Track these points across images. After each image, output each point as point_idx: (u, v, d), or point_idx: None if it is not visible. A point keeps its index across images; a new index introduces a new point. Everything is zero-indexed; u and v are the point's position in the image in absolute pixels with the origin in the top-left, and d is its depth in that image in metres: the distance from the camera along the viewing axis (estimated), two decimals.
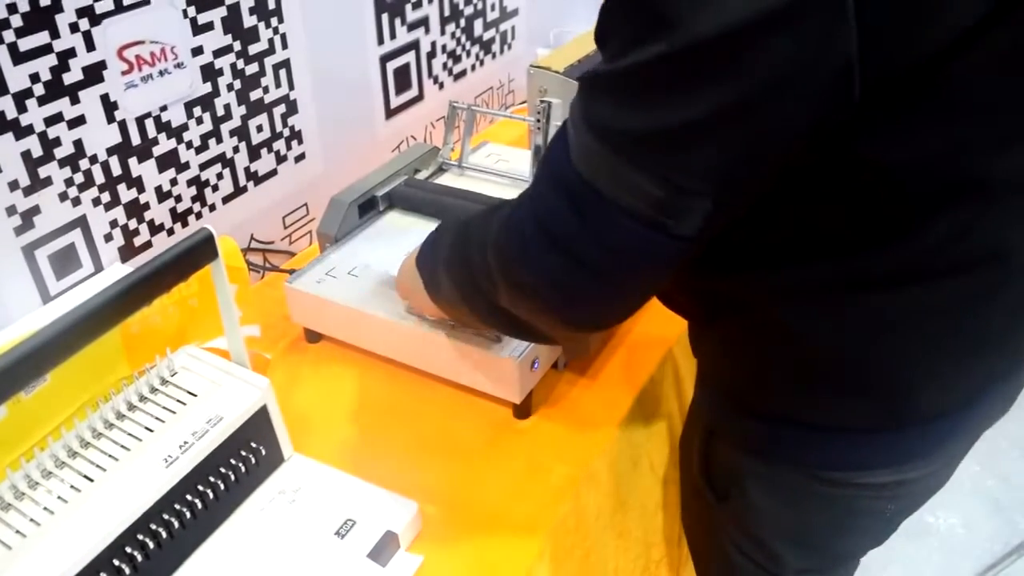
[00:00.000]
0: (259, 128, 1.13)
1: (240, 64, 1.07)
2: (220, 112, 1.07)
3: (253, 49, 1.08)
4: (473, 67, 1.54)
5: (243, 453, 0.76)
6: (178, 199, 1.06)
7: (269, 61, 1.10)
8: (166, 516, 0.69)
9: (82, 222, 0.96)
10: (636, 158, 0.48)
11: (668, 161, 0.47)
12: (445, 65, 1.46)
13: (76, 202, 0.95)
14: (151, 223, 1.03)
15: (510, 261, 0.57)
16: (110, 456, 0.70)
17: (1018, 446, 1.90)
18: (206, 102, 1.05)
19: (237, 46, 1.05)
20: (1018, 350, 0.65)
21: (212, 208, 1.11)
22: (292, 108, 1.17)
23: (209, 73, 1.04)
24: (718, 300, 0.64)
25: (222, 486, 0.74)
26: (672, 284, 0.67)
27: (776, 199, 0.53)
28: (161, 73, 0.98)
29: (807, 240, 0.55)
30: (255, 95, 1.11)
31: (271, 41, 1.10)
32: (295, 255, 1.23)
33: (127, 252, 1.02)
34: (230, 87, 1.07)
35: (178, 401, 0.75)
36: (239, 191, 1.13)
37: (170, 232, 1.06)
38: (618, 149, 0.48)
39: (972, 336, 0.60)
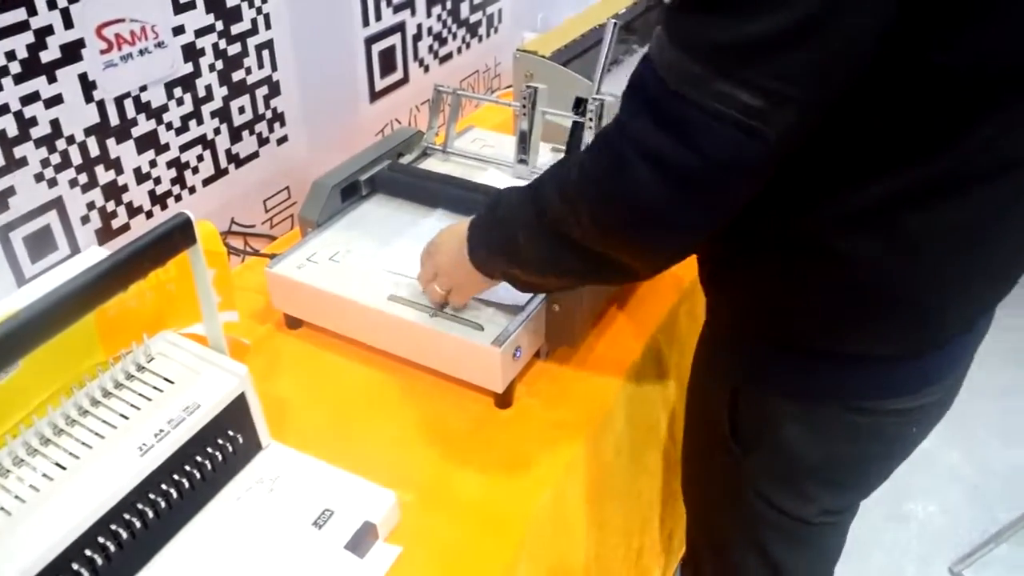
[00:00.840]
0: (241, 110, 1.12)
1: (222, 44, 1.05)
2: (201, 93, 1.06)
3: (236, 29, 1.06)
4: (459, 50, 1.53)
5: (220, 442, 0.75)
6: (157, 181, 1.05)
7: (252, 41, 1.09)
8: (140, 506, 0.68)
9: (58, 204, 0.94)
10: (724, 67, 0.52)
11: (755, 69, 0.51)
12: (431, 48, 1.44)
13: (52, 183, 0.94)
14: (129, 205, 1.01)
15: (600, 179, 0.60)
16: (84, 444, 0.69)
17: (996, 435, 1.92)
18: (187, 82, 1.04)
19: (219, 26, 1.04)
20: (1017, 265, 0.70)
21: (192, 190, 1.10)
22: (275, 89, 1.16)
23: (190, 53, 1.02)
24: (764, 236, 0.67)
25: (198, 475, 0.73)
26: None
27: (843, 112, 0.56)
28: (141, 52, 0.96)
29: (864, 157, 0.59)
30: (237, 76, 1.10)
31: (254, 21, 1.08)
32: (276, 239, 1.22)
33: (104, 235, 1.00)
34: (212, 67, 1.05)
35: (154, 388, 0.74)
36: (220, 173, 1.12)
37: (149, 215, 1.04)
38: (707, 59, 0.53)
39: (993, 251, 0.65)
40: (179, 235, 0.69)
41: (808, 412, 0.74)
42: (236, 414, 0.76)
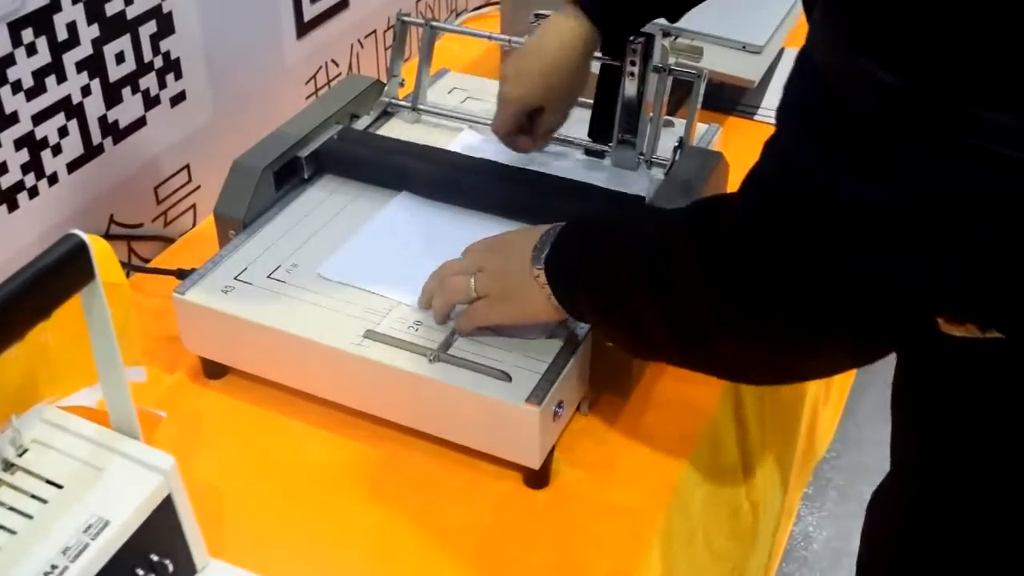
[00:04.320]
0: (119, 57, 1.09)
1: None
2: (62, 35, 1.02)
3: None
4: None
5: (140, 573, 0.71)
6: (1, 168, 1.00)
7: None
8: None
9: None
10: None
11: None
12: None
13: None
14: None
15: (760, 237, 0.63)
16: None
17: None
18: (40, 21, 0.99)
19: None
20: None
21: (53, 179, 1.06)
22: (166, 26, 1.13)
23: None
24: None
25: None
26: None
27: None
28: None
29: None
30: (112, 8, 1.06)
31: None
32: (174, 242, 1.21)
33: None
34: None
35: (34, 498, 0.70)
36: (92, 152, 1.10)
37: None
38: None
39: None
40: (72, 268, 0.66)
41: None
42: (161, 529, 0.72)
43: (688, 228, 0.70)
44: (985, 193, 0.55)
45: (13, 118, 1.00)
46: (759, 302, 0.64)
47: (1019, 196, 0.54)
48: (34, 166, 1.03)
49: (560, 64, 0.96)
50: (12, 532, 0.67)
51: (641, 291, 0.73)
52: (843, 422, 1.73)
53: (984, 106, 0.52)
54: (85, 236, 0.66)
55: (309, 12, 1.34)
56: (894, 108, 0.54)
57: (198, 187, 1.24)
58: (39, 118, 1.02)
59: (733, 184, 0.87)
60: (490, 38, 1.18)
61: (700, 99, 1.05)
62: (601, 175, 1.08)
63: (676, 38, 1.16)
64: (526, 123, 1.01)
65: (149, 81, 1.13)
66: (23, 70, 0.99)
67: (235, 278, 0.95)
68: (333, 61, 1.42)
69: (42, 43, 1.00)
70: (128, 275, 1.08)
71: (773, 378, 0.80)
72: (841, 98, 0.56)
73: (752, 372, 0.74)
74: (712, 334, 0.69)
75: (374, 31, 1.49)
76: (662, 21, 1.02)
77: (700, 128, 1.14)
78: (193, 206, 1.24)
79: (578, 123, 1.10)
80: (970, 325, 0.72)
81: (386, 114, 1.19)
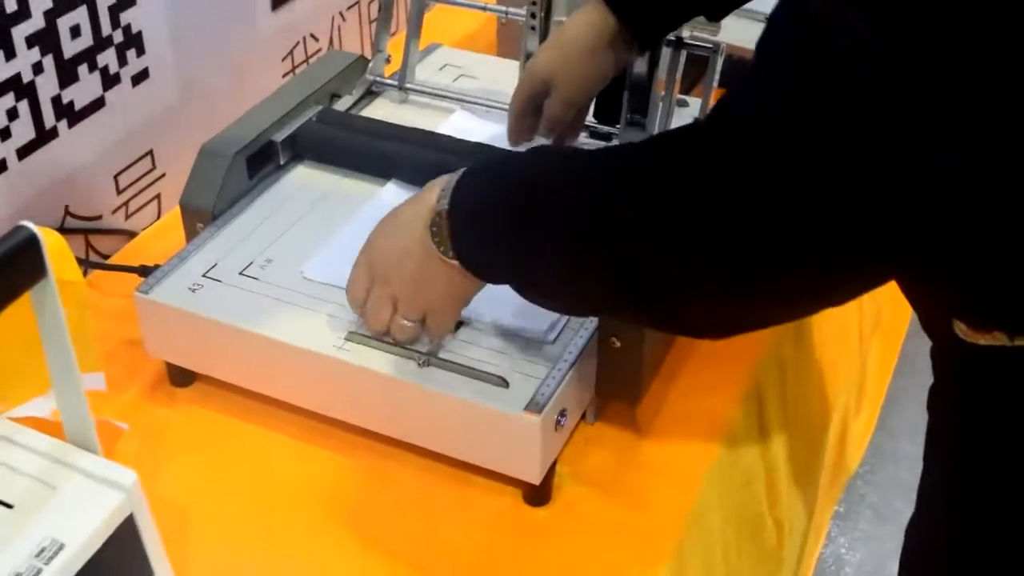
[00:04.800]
0: (74, 31, 1.09)
1: None
2: (10, 6, 1.01)
3: None
4: None
5: None
6: None
7: None
8: None
9: None
10: None
11: None
12: None
13: None
14: None
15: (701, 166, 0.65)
16: None
17: None
18: None
19: None
20: None
21: (1, 167, 1.06)
22: None
23: None
24: None
25: None
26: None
27: None
28: None
29: None
30: None
31: None
32: (136, 236, 1.21)
33: None
34: None
35: None
36: (44, 136, 1.10)
37: None
38: None
39: None
40: (22, 263, 0.66)
41: None
42: (122, 552, 0.72)
43: (636, 179, 0.71)
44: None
45: None
46: (735, 248, 0.66)
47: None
48: None
49: (576, 40, 0.96)
50: None
51: (580, 259, 0.74)
52: (877, 433, 1.73)
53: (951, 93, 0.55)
54: (36, 229, 0.65)
55: None
56: (869, 64, 0.56)
57: (163, 175, 1.24)
58: None
59: None
60: (485, 9, 1.18)
61: (717, 76, 1.05)
62: None
63: None
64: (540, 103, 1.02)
65: (108, 58, 1.13)
66: None
67: (204, 275, 0.95)
68: (312, 35, 1.42)
69: None
70: (85, 272, 1.09)
71: (733, 327, 0.79)
72: (824, 39, 0.58)
73: (714, 326, 0.77)
74: (678, 292, 0.71)
75: (357, 2, 1.48)
76: None
77: None
78: (157, 196, 1.24)
79: None
80: (997, 332, 0.72)
81: (370, 94, 1.18)
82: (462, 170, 0.81)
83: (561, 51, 0.98)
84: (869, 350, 1.49)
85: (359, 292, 0.87)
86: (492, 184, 0.80)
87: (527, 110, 1.01)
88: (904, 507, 1.04)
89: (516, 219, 0.76)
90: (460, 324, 0.90)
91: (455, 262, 0.79)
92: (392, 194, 1.05)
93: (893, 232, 0.61)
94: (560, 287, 0.78)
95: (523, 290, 0.80)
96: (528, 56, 1.10)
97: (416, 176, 1.04)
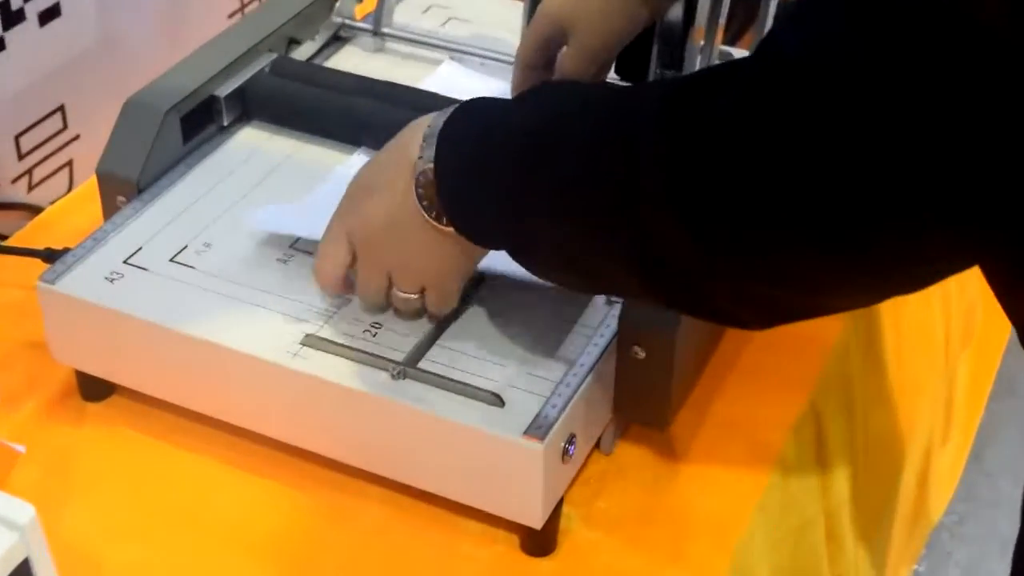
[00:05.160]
0: None
1: None
2: None
3: None
4: None
5: None
6: None
7: None
8: None
9: None
10: None
11: None
12: None
13: None
14: None
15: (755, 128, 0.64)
16: None
17: None
18: None
19: None
20: None
21: None
22: None
23: None
24: None
25: None
26: None
27: None
28: None
29: None
30: None
31: None
32: (41, 212, 1.21)
33: None
34: None
35: None
36: None
37: None
38: None
39: None
40: None
41: None
42: None
43: (660, 126, 0.71)
44: None
45: None
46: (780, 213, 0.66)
47: None
48: None
49: None
50: None
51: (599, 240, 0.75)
52: (968, 471, 1.73)
53: None
54: None
55: None
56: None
57: (76, 137, 1.24)
58: None
59: None
60: None
61: (769, 21, 1.05)
62: None
63: None
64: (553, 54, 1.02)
65: None
66: None
67: (125, 262, 0.95)
68: None
69: None
70: None
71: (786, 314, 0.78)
72: None
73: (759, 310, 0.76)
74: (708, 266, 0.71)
75: None
76: None
77: None
78: (69, 163, 1.25)
79: None
80: None
81: (338, 39, 1.19)
82: (447, 110, 0.82)
83: None
84: (958, 367, 1.49)
85: (335, 267, 0.88)
86: (489, 129, 0.81)
87: (537, 62, 1.01)
88: (1002, 569, 1.04)
89: (522, 171, 0.77)
90: (482, 279, 0.92)
91: (449, 229, 0.81)
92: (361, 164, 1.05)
93: (969, 195, 0.62)
94: (576, 253, 0.79)
95: (529, 260, 0.82)
96: (666, 28, 1.09)
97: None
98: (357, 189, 0.88)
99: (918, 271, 0.69)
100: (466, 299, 0.91)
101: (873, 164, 0.63)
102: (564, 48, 0.99)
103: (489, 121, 0.81)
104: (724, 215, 0.67)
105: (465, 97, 1.04)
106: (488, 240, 0.83)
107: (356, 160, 1.06)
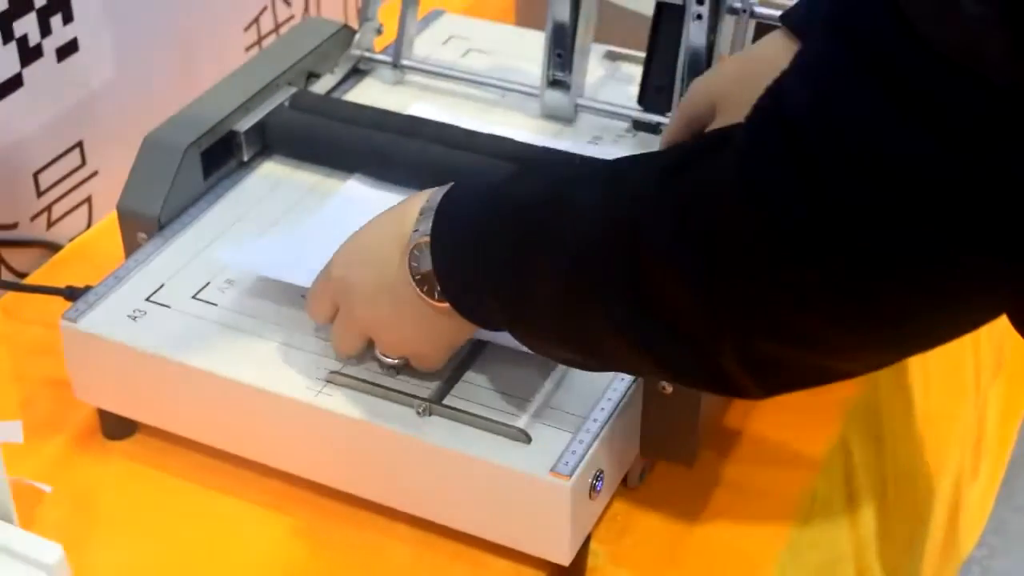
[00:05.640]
0: None
1: None
2: None
3: None
4: None
5: None
6: None
7: None
8: None
9: None
10: None
11: None
12: None
13: None
14: None
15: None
16: None
17: None
18: None
19: None
20: None
21: None
22: None
23: None
24: None
25: None
26: None
27: None
28: None
29: None
30: None
31: None
32: (61, 249, 1.21)
33: None
34: None
35: None
36: None
37: None
38: None
39: None
40: None
41: None
42: None
43: (659, 198, 0.70)
44: None
45: None
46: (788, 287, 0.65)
47: None
48: None
49: (767, 61, 0.89)
50: None
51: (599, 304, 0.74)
52: (999, 505, 1.72)
53: None
54: None
55: None
56: (974, 47, 0.55)
57: (95, 173, 1.24)
58: None
59: None
60: None
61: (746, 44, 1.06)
62: None
63: None
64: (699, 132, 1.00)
65: (27, 25, 1.13)
66: None
67: (147, 299, 0.95)
68: None
69: None
70: None
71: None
72: (912, 25, 0.57)
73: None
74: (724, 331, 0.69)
75: None
76: None
77: None
78: (88, 199, 1.24)
79: (624, 83, 1.10)
80: None
81: (358, 72, 1.18)
82: (445, 187, 0.82)
83: (745, 69, 0.97)
84: (989, 398, 1.48)
85: (324, 310, 0.90)
86: (486, 206, 0.81)
87: (684, 139, 0.99)
88: None
89: (521, 248, 0.77)
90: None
91: (443, 304, 0.81)
92: (358, 191, 1.07)
93: (990, 245, 0.61)
94: (577, 329, 0.78)
95: (527, 335, 0.81)
96: (557, 27, 1.11)
97: (414, 177, 1.04)
98: (349, 252, 0.88)
99: (932, 322, 0.69)
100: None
101: (891, 218, 0.62)
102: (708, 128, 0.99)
103: (487, 198, 0.81)
104: (732, 272, 0.67)
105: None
106: (482, 316, 0.83)
107: (348, 188, 1.07)
